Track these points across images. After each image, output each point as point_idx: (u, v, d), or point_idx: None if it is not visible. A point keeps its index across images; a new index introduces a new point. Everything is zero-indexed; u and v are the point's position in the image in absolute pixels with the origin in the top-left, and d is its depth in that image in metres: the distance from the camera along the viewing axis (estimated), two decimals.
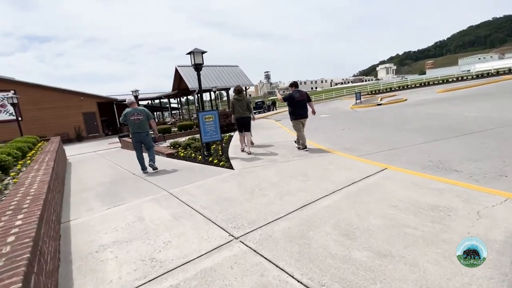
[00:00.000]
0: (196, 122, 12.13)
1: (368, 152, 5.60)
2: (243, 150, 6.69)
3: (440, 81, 31.52)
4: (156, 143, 12.73)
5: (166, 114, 39.84)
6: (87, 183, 5.66)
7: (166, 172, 5.62)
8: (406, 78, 62.68)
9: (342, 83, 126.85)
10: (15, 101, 11.54)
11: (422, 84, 32.51)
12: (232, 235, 2.54)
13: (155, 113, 35.96)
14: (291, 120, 6.37)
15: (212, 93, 25.22)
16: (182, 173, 5.37)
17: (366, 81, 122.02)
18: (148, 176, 5.45)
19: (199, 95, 7.22)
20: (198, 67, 6.30)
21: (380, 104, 19.13)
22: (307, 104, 6.25)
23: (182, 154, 7.57)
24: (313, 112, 6.71)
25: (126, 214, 3.35)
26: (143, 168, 5.74)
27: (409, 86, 33.23)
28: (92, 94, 24.60)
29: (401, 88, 33.46)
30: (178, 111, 35.50)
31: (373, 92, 35.27)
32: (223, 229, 2.69)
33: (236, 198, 3.51)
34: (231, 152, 6.95)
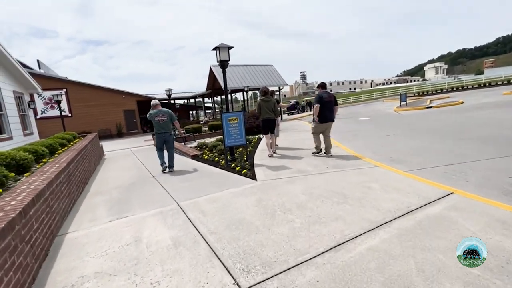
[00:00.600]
0: None
1: (422, 166, 4.56)
2: (271, 156, 6.27)
3: (505, 82, 27.41)
4: (185, 143, 12.64)
5: (201, 113, 40.72)
6: (107, 185, 5.47)
7: (185, 177, 5.18)
8: (460, 78, 56.18)
9: (383, 84, 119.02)
10: (60, 98, 12.28)
11: (481, 85, 28.63)
12: (237, 284, 1.88)
13: (190, 112, 36.90)
14: (315, 122, 5.84)
15: (245, 93, 24.89)
16: (200, 180, 4.86)
17: (411, 81, 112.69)
18: (165, 181, 5.07)
19: (226, 94, 6.70)
20: (224, 64, 5.76)
21: (430, 107, 17.01)
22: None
23: (206, 157, 7.16)
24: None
25: (125, 232, 2.88)
26: (162, 163, 5.89)
27: (464, 87, 29.52)
28: (133, 92, 25.84)
29: (454, 89, 29.87)
30: (211, 111, 36.01)
31: (420, 93, 32.03)
32: (228, 270, 2.04)
33: (253, 221, 2.84)
34: (257, 158, 6.31)
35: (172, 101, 32.83)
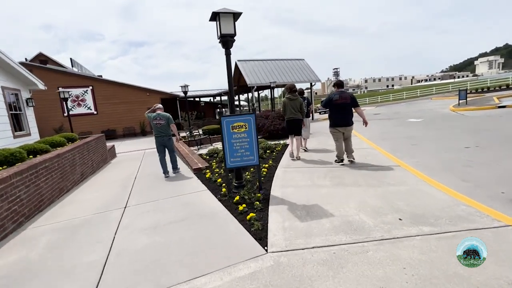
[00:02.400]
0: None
1: None
2: (294, 159, 5.82)
3: None
4: (199, 147, 10.94)
5: (227, 111, 39.39)
6: (59, 216, 3.84)
7: (157, 220, 3.24)
8: None
9: (426, 80, 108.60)
10: (66, 96, 11.25)
11: None
12: None
13: (216, 110, 35.70)
14: (329, 127, 5.26)
15: (272, 90, 22.71)
16: (175, 231, 2.89)
17: (458, 77, 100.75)
18: (129, 222, 3.23)
19: (230, 89, 4.72)
20: (226, 40, 3.70)
21: (503, 106, 13.47)
22: (354, 110, 5.03)
23: (208, 175, 5.26)
24: (364, 123, 5.11)
25: None
26: (165, 172, 5.81)
27: None
28: (157, 90, 24.96)
29: None
30: (238, 109, 34.40)
31: (479, 90, 27.22)
32: None
33: None
34: (277, 183, 4.23)
35: (197, 99, 31.80)
